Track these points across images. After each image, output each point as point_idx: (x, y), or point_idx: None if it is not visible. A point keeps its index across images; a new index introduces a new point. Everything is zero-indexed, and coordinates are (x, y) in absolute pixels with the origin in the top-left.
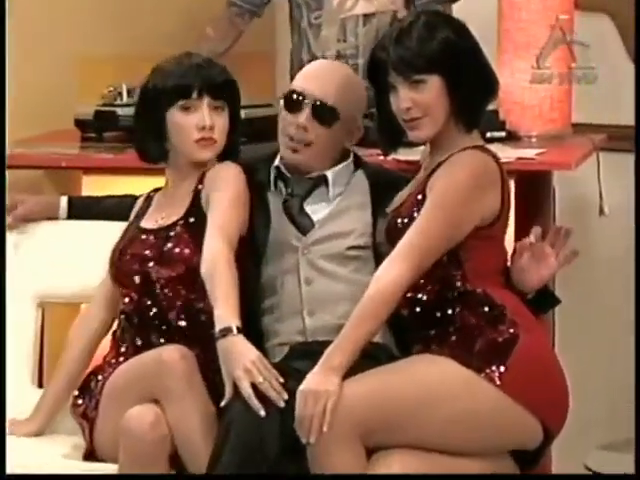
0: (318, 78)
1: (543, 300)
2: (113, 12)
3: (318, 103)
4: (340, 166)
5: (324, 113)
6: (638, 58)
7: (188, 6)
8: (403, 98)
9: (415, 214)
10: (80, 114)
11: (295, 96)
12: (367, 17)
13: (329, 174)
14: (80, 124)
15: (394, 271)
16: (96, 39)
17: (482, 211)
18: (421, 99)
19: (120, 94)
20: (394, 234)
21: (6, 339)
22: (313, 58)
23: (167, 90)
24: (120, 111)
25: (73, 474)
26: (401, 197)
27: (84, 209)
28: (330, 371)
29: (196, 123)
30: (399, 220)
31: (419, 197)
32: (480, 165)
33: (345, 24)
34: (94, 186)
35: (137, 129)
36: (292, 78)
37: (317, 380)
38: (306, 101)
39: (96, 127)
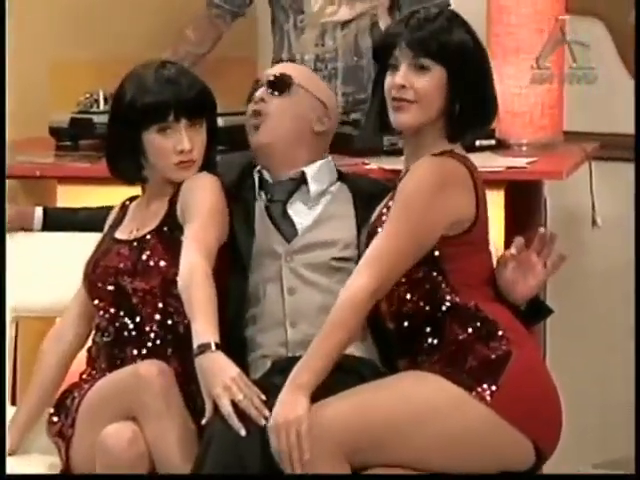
0: (275, 66)
1: (535, 311)
2: (86, 14)
3: (273, 76)
4: (318, 162)
5: (279, 81)
6: (638, 64)
7: (165, 7)
8: (402, 75)
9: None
10: (55, 121)
11: (253, 85)
12: (346, 23)
13: (307, 170)
14: (55, 132)
15: (361, 279)
16: (69, 42)
17: (449, 216)
18: (419, 84)
19: (97, 101)
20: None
21: (6, 339)
22: (292, 59)
23: (142, 112)
24: (97, 118)
25: (73, 474)
26: (381, 207)
27: (60, 220)
28: (298, 391)
29: (174, 146)
30: (378, 230)
31: (390, 203)
32: (443, 167)
33: (325, 28)
34: (70, 196)
35: (110, 146)
36: None
37: (285, 408)
38: (262, 81)
39: (71, 135)
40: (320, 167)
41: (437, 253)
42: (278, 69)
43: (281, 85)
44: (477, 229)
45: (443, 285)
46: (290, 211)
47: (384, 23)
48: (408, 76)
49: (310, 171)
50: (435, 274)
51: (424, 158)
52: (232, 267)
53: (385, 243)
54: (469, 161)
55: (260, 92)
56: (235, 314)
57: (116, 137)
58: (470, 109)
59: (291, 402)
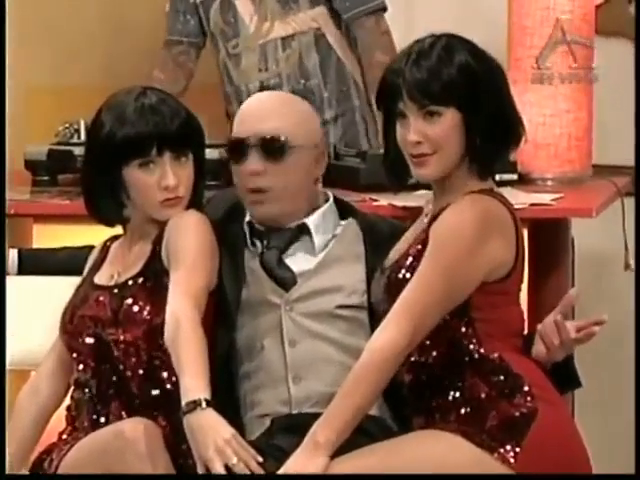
0: (253, 115)
1: (563, 376)
2: (66, 36)
3: (261, 140)
4: (321, 210)
5: (271, 148)
6: (638, 64)
7: (145, 35)
8: (414, 130)
9: (417, 266)
10: (31, 153)
11: (237, 144)
12: (286, 40)
13: (310, 222)
14: (31, 165)
15: (389, 334)
16: (48, 66)
17: (489, 263)
18: (433, 133)
19: (77, 131)
20: (395, 290)
21: (5, 339)
22: (237, 91)
23: (121, 145)
24: (77, 150)
25: (73, 474)
26: (399, 249)
27: (36, 263)
28: (315, 450)
29: (158, 182)
30: (400, 274)
31: (419, 247)
32: (484, 210)
33: (265, 51)
34: (47, 236)
35: (88, 183)
36: (228, 116)
37: (299, 462)
38: (249, 144)
39: (49, 169)
40: (323, 215)
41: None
42: (265, 123)
43: (275, 153)
44: (513, 278)
45: (468, 335)
46: (287, 260)
47: (331, 35)
48: (420, 128)
49: (313, 222)
50: (460, 323)
51: (464, 198)
52: (218, 318)
53: (418, 294)
54: (509, 202)
55: (254, 162)
56: (222, 370)
57: (93, 173)
58: (494, 137)
59: (308, 459)
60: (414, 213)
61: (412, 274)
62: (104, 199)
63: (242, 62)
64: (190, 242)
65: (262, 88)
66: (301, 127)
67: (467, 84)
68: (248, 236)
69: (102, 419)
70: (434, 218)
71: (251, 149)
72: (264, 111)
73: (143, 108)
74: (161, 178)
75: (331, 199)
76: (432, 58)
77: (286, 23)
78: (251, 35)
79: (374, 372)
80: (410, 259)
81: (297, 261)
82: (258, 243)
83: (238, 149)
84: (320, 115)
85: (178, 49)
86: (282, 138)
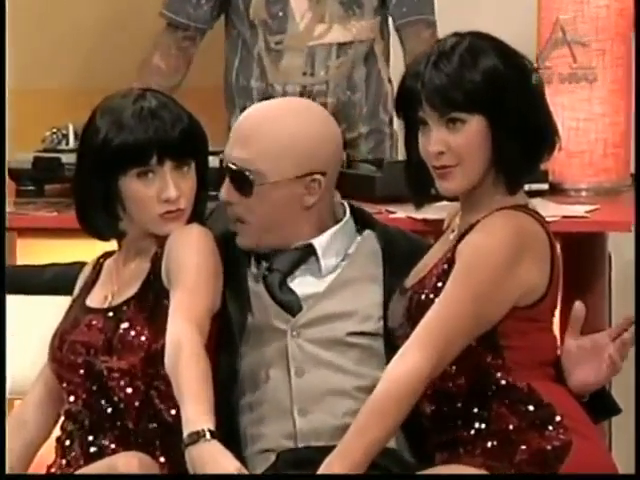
0: (234, 134)
1: (599, 405)
2: (52, 37)
3: (229, 169)
4: (331, 231)
5: (238, 181)
6: (638, 64)
7: (130, 35)
8: (435, 140)
9: (442, 288)
10: (15, 161)
11: (221, 166)
12: (342, 46)
13: (317, 244)
14: (15, 174)
15: (410, 362)
16: (33, 68)
17: (521, 287)
18: (456, 144)
19: (65, 136)
20: (416, 313)
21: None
22: (267, 89)
23: (118, 153)
24: (65, 158)
25: (73, 474)
26: (422, 268)
27: (21, 281)
28: None
29: (158, 194)
30: (422, 296)
31: (445, 267)
32: (517, 229)
33: (314, 53)
34: (33, 251)
35: (80, 194)
36: (230, 112)
37: None
38: (225, 167)
39: (35, 178)
40: (334, 236)
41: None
42: (239, 149)
43: (242, 186)
44: (546, 303)
45: (495, 363)
46: (292, 283)
47: (379, 47)
48: (442, 138)
49: (320, 244)
50: (487, 350)
51: (495, 215)
52: (221, 343)
53: (443, 318)
54: (544, 219)
55: (224, 190)
56: (223, 401)
57: (87, 182)
58: (524, 147)
59: None
60: (435, 226)
61: (436, 296)
62: (98, 211)
63: (283, 60)
64: (192, 259)
65: (302, 93)
66: (283, 157)
67: (492, 89)
68: (254, 257)
69: (96, 450)
70: (462, 236)
71: (226, 174)
72: (242, 133)
73: (142, 112)
74: (161, 189)
75: (347, 216)
76: (453, 61)
77: (346, 29)
78: (300, 34)
79: (393, 403)
80: (434, 279)
81: (303, 284)
82: (262, 264)
83: (221, 167)
84: (354, 129)
85: (183, 34)
86: (246, 173)
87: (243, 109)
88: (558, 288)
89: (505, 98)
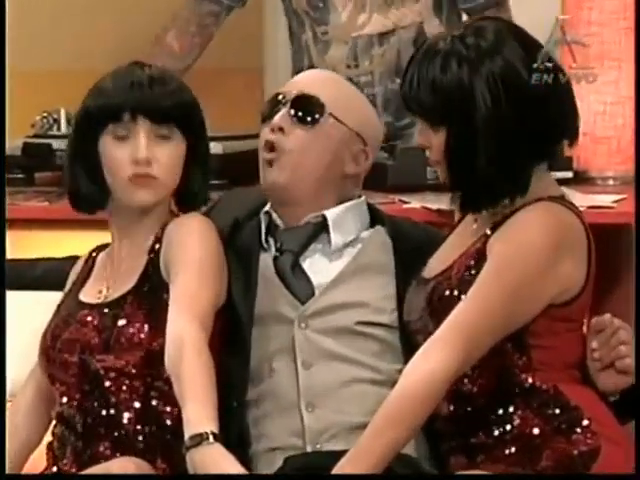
0: (302, 78)
1: (630, 405)
2: (44, 16)
3: (297, 96)
4: (345, 205)
5: (305, 105)
6: (638, 65)
7: (122, 16)
8: (419, 133)
9: (469, 283)
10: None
11: (272, 101)
12: (384, 36)
13: (329, 215)
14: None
15: (434, 360)
16: (23, 49)
17: (559, 285)
18: (438, 144)
19: (56, 121)
20: (439, 308)
21: (6, 337)
22: None
23: (95, 112)
24: (56, 144)
25: (72, 475)
26: (443, 259)
27: (10, 276)
28: None
29: (129, 154)
30: (446, 291)
31: (472, 261)
32: (558, 223)
33: (356, 45)
34: (22, 244)
35: (67, 166)
36: None
37: None
38: (284, 100)
39: (25, 165)
40: (347, 210)
41: None
42: (305, 84)
43: (308, 112)
44: (580, 302)
45: (521, 363)
46: (304, 264)
47: (430, 27)
48: (425, 132)
49: (332, 216)
50: (514, 349)
51: (533, 207)
52: (229, 338)
53: (474, 315)
54: (581, 212)
55: (280, 116)
56: (234, 399)
57: (72, 151)
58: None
59: None
60: (451, 217)
61: (462, 291)
62: (81, 179)
63: (330, 51)
64: (194, 250)
65: None
66: (348, 106)
67: (450, 106)
68: (264, 230)
69: (89, 457)
70: (493, 227)
71: (283, 105)
72: (312, 79)
73: (122, 78)
74: (132, 150)
75: (362, 198)
76: (422, 71)
77: (387, 18)
78: (343, 25)
79: (414, 403)
80: (461, 273)
81: (315, 268)
82: (272, 243)
83: (270, 105)
84: (405, 117)
85: (210, 8)
86: (320, 100)
87: None
88: (592, 286)
89: (467, 114)
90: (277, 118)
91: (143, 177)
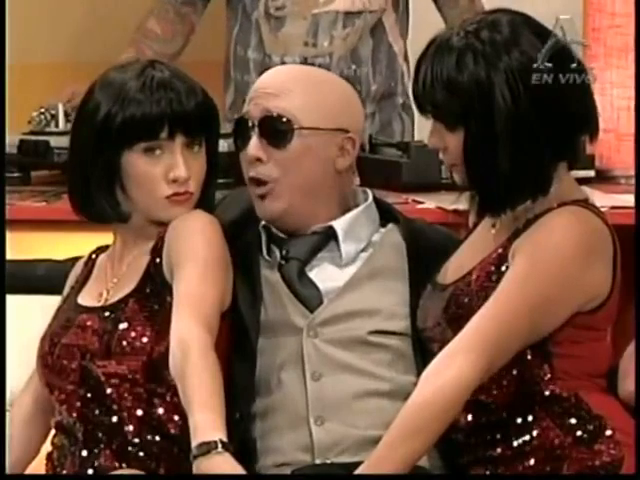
0: (260, 90)
1: None
2: (41, 8)
3: (262, 118)
4: (353, 212)
5: (273, 128)
6: (638, 65)
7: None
8: (431, 133)
9: (490, 290)
10: None
11: (240, 125)
12: (349, 16)
13: (337, 226)
14: None
15: (454, 368)
16: (20, 40)
17: (586, 293)
18: (455, 145)
19: (54, 117)
20: (458, 316)
21: (6, 339)
22: (264, 61)
23: (124, 128)
24: (54, 141)
25: (72, 475)
26: (460, 264)
27: (9, 279)
28: None
29: (166, 173)
30: (466, 298)
31: (493, 267)
32: (586, 229)
33: (317, 22)
34: (19, 246)
35: (76, 175)
36: (226, 86)
37: None
38: (251, 124)
39: (21, 163)
40: (356, 218)
41: None
42: (269, 96)
43: (277, 134)
44: (607, 309)
45: (543, 371)
46: (311, 273)
47: (388, 19)
48: (438, 132)
49: (341, 225)
50: (536, 357)
51: (558, 212)
52: (234, 344)
53: (497, 323)
54: (606, 216)
55: (253, 146)
56: (237, 410)
57: (86, 160)
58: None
59: None
60: (467, 218)
61: (483, 298)
62: (97, 194)
63: (283, 29)
64: (198, 249)
65: (303, 64)
66: (319, 106)
67: (468, 104)
68: (264, 242)
69: (90, 471)
70: (516, 232)
71: (252, 130)
72: (273, 86)
73: (152, 83)
74: (170, 168)
75: (370, 199)
76: (436, 69)
77: None
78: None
79: (432, 414)
80: (481, 280)
81: (323, 275)
82: (277, 252)
83: (241, 131)
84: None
85: None
86: (284, 119)
87: (239, 83)
88: (618, 293)
89: (486, 112)
90: (251, 149)
91: (181, 195)
